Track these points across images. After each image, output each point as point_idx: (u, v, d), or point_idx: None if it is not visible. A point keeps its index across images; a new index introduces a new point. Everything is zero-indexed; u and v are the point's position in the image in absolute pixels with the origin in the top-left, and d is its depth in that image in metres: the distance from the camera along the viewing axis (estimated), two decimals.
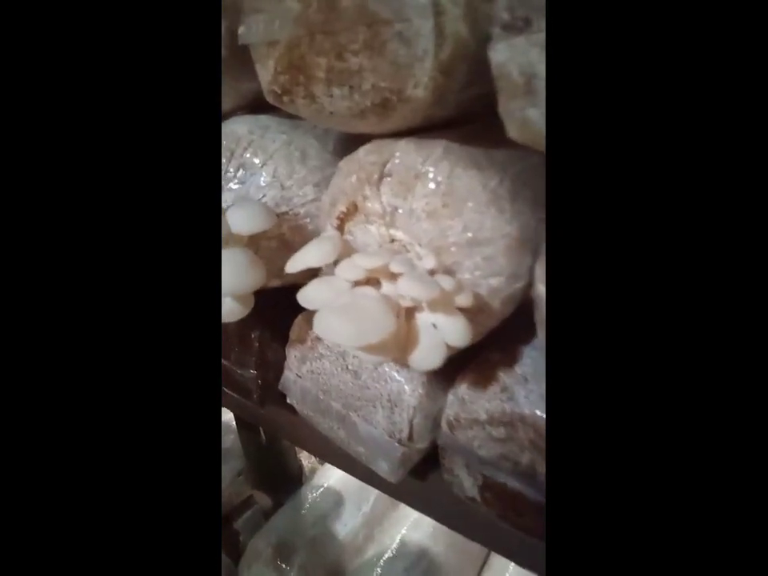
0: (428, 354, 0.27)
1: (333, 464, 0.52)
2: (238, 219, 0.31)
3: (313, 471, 0.91)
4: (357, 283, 0.29)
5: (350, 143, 0.40)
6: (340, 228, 0.32)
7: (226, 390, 0.50)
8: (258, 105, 0.40)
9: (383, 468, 0.39)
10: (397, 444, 0.37)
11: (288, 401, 0.45)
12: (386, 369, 0.36)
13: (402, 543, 0.70)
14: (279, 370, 0.46)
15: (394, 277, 0.27)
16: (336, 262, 0.29)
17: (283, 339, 0.45)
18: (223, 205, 0.36)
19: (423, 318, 0.28)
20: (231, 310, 0.33)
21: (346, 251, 0.29)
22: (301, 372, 0.41)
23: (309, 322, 0.40)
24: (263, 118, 0.37)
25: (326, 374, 0.39)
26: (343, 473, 0.81)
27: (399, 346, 0.27)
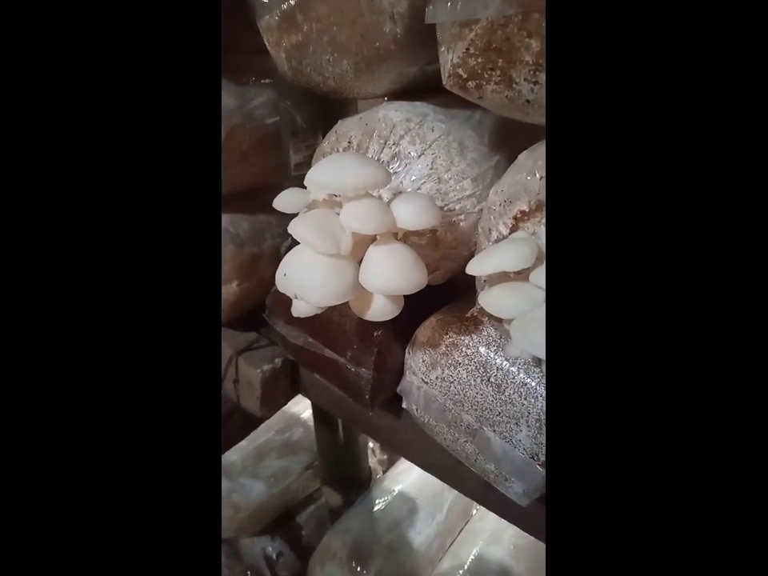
0: None
1: (435, 475, 0.50)
2: (406, 214, 0.29)
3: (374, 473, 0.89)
4: None
5: (507, 136, 0.37)
6: (514, 228, 0.29)
7: (329, 385, 0.48)
8: (408, 90, 0.38)
9: (515, 490, 0.36)
10: (539, 467, 0.34)
11: (404, 405, 0.43)
12: (539, 386, 0.33)
13: (480, 559, 0.67)
14: (394, 372, 0.44)
15: None
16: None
17: (404, 342, 0.42)
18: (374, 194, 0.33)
19: None
20: (383, 309, 0.31)
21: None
22: (429, 378, 0.39)
23: (444, 326, 0.38)
24: (419, 105, 0.35)
25: (461, 383, 0.37)
26: (415, 479, 0.79)
27: None
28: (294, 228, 0.29)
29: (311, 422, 0.88)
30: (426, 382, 0.39)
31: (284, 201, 0.31)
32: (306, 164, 0.50)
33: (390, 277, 0.28)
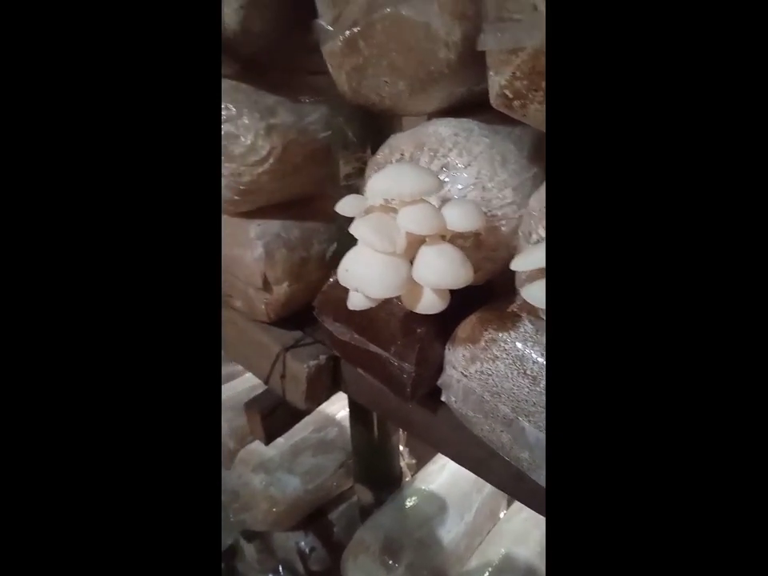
0: None
1: (468, 468, 0.53)
2: (455, 217, 0.32)
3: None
4: None
5: (544, 149, 0.40)
6: None
7: (371, 379, 0.51)
8: (454, 108, 0.42)
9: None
10: None
11: (443, 398, 0.46)
12: None
13: (507, 558, 0.69)
14: (433, 368, 0.47)
15: None
16: None
17: (443, 339, 0.46)
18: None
19: None
20: (432, 302, 0.34)
21: None
22: (468, 371, 0.42)
23: (484, 323, 0.41)
24: (465, 121, 0.39)
25: (499, 376, 0.40)
26: (445, 480, 0.81)
27: None
28: (356, 229, 0.33)
29: (345, 422, 0.91)
30: (466, 376, 0.42)
31: (346, 205, 0.35)
32: (355, 175, 0.54)
33: (442, 273, 0.31)
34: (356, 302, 0.36)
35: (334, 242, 0.62)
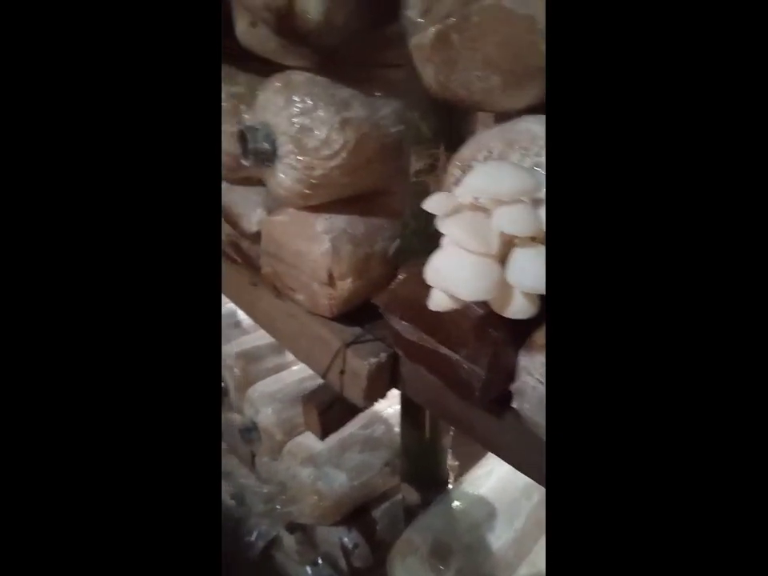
0: None
1: (530, 476, 0.51)
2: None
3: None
4: None
5: None
6: None
7: (435, 381, 0.50)
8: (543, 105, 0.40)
9: None
10: None
11: (514, 405, 0.45)
12: None
13: None
14: (504, 373, 0.46)
15: None
16: None
17: (517, 343, 0.44)
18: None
19: None
20: (523, 307, 0.33)
21: None
22: (545, 379, 0.40)
23: None
24: None
25: None
26: (494, 485, 0.80)
27: None
28: (448, 227, 0.32)
29: (392, 420, 0.91)
30: (542, 383, 0.41)
31: (434, 203, 0.34)
32: (426, 171, 0.53)
33: (539, 276, 0.30)
34: (440, 302, 0.35)
35: (397, 239, 0.61)
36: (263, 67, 0.62)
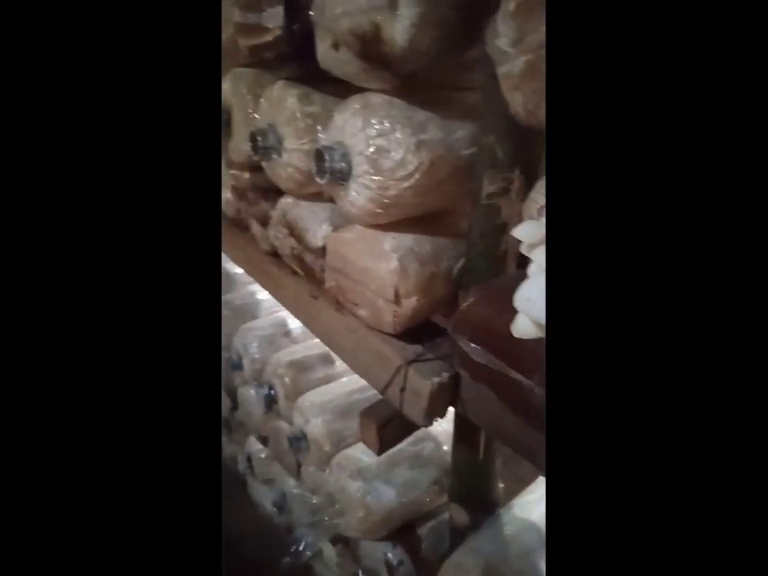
0: None
1: None
2: None
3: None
4: None
5: None
6: None
7: (503, 405, 0.50)
8: None
9: None
10: None
11: None
12: None
13: None
14: None
15: None
16: None
17: None
18: None
19: None
20: None
21: None
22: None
23: None
24: None
25: None
26: (545, 510, 0.78)
27: None
28: (539, 256, 0.32)
29: (441, 439, 0.90)
30: None
31: (524, 231, 0.34)
32: (498, 194, 0.53)
33: None
34: (526, 330, 0.35)
35: (462, 259, 0.61)
36: (336, 87, 0.63)
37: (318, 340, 1.13)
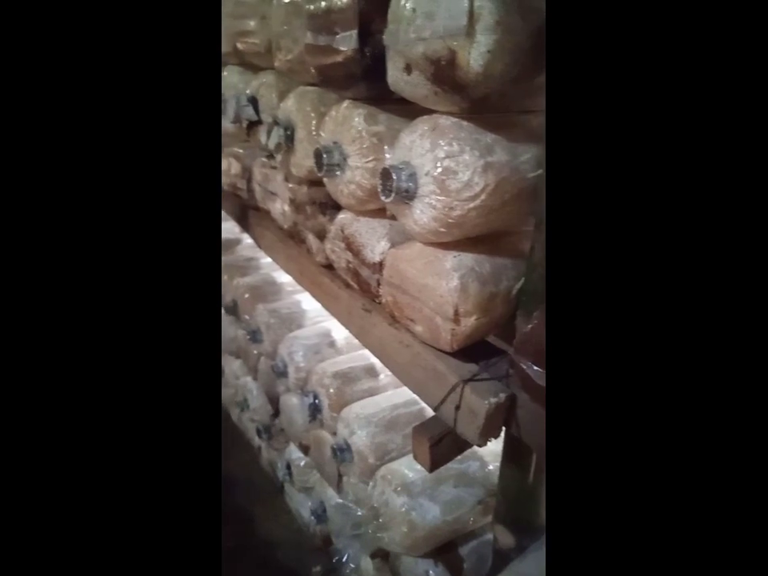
0: None
1: None
2: None
3: None
4: None
5: None
6: None
7: None
8: None
9: None
10: None
11: None
12: None
13: None
14: None
15: None
16: None
17: None
18: None
19: None
20: None
21: None
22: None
23: None
24: None
25: None
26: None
27: None
28: None
29: (487, 459, 0.90)
30: None
31: None
32: None
33: None
34: None
35: (521, 279, 0.61)
36: (400, 108, 0.65)
37: (362, 352, 1.15)
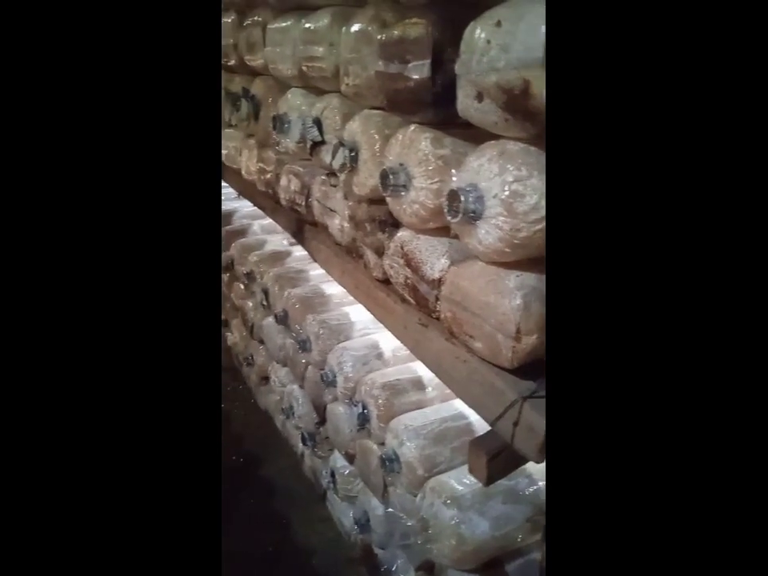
0: None
1: None
2: None
3: None
4: None
5: None
6: None
7: None
8: None
9: None
10: None
11: None
12: None
13: None
14: None
15: None
16: None
17: None
18: None
19: None
20: None
21: None
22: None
23: None
24: None
25: None
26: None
27: None
28: None
29: (536, 476, 0.90)
30: None
31: None
32: None
33: None
34: None
35: None
36: (464, 132, 0.68)
37: (409, 364, 1.18)
